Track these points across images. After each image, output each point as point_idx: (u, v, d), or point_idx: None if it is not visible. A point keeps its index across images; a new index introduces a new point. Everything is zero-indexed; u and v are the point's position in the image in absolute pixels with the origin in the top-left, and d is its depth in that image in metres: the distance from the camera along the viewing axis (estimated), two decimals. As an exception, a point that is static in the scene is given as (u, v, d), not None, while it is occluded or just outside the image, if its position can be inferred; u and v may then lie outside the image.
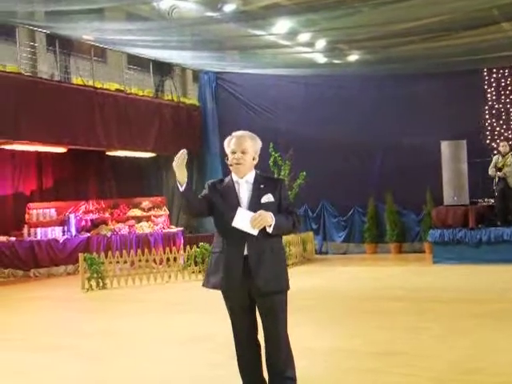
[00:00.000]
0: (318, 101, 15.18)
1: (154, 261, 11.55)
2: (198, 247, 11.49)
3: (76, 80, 14.00)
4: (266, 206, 3.60)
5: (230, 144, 3.70)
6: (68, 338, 6.79)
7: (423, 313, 7.18)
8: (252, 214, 3.52)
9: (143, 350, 5.95)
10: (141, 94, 15.28)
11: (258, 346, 3.78)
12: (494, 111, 14.01)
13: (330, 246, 15.58)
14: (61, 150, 13.83)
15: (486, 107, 14.03)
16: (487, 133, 13.96)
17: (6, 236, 13.35)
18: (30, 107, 12.07)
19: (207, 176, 15.19)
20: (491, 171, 12.15)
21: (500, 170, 11.99)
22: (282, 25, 11.83)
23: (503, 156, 12.11)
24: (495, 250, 11.59)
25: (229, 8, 11.37)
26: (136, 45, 13.69)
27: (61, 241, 13.57)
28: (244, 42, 13.59)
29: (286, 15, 11.59)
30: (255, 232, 3.53)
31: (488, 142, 13.86)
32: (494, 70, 13.99)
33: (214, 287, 3.68)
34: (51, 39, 13.92)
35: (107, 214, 14.99)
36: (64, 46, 13.80)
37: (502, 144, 12.45)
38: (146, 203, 15.49)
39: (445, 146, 12.67)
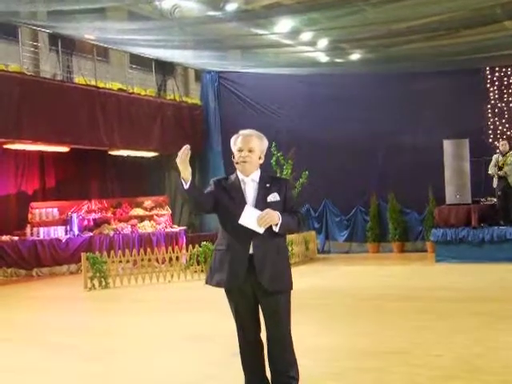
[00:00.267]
0: (320, 100, 15.17)
1: (157, 260, 11.57)
2: (200, 246, 11.49)
3: (78, 79, 14.01)
4: (272, 205, 3.60)
5: (236, 142, 3.70)
6: (71, 336, 6.81)
7: (425, 311, 7.18)
8: (259, 212, 3.53)
9: (145, 349, 5.97)
10: (143, 93, 15.29)
11: (261, 345, 3.79)
12: (496, 110, 14.00)
13: (332, 245, 15.57)
14: (63, 149, 13.84)
15: (489, 106, 14.02)
16: (489, 131, 13.95)
17: (8, 235, 13.37)
18: (33, 107, 12.09)
19: (209, 175, 15.17)
20: (491, 170, 12.14)
21: (500, 168, 11.97)
22: (284, 24, 11.82)
23: (503, 155, 12.10)
24: (498, 249, 11.57)
25: (231, 7, 11.36)
26: (138, 44, 13.69)
27: (63, 240, 13.59)
28: (246, 42, 13.58)
29: (288, 14, 11.58)
30: (261, 230, 3.53)
31: (490, 140, 13.84)
32: (497, 69, 13.97)
33: (218, 285, 3.68)
34: (54, 39, 13.92)
35: (110, 214, 15.01)
36: (66, 45, 13.80)
37: (501, 143, 12.43)
38: (148, 202, 15.51)
39: (447, 145, 12.65)
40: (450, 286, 9.17)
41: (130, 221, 14.94)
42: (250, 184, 3.69)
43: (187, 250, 11.66)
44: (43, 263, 13.24)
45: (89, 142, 13.61)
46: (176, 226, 15.43)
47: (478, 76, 13.99)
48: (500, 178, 11.98)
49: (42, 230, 13.63)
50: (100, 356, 5.78)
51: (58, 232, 13.79)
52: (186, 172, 3.49)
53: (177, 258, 11.61)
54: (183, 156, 3.44)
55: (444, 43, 12.61)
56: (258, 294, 3.63)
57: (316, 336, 6.04)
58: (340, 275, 11.45)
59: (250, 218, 3.52)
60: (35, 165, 14.84)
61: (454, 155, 12.56)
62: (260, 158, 3.73)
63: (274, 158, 13.18)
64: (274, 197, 3.65)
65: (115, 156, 15.26)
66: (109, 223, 14.67)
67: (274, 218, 3.53)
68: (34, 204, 14.20)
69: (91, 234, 14.11)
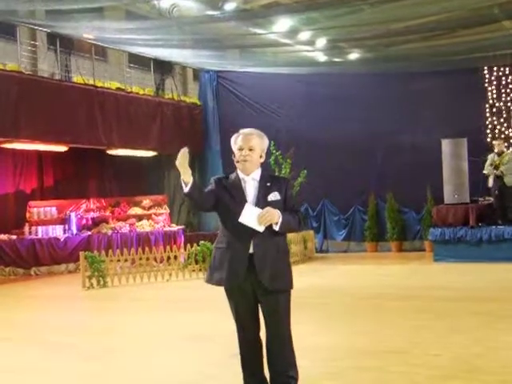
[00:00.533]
0: (319, 99, 15.17)
1: (155, 259, 11.57)
2: (198, 245, 11.49)
3: (77, 79, 13.98)
4: (272, 204, 3.59)
5: (237, 141, 3.69)
6: (69, 335, 6.80)
7: (424, 311, 7.18)
8: (259, 210, 3.52)
9: (144, 348, 5.97)
10: (141, 92, 15.26)
11: (261, 344, 3.79)
12: (494, 109, 14.02)
13: (330, 245, 15.58)
14: (62, 148, 13.82)
15: (487, 105, 14.04)
16: (488, 131, 13.97)
17: (7, 234, 13.37)
18: (31, 106, 12.06)
19: (208, 174, 15.15)
20: (487, 170, 12.16)
21: (496, 168, 11.99)
22: (283, 23, 11.83)
23: (499, 155, 12.12)
24: (496, 249, 11.58)
25: (229, 6, 11.38)
26: (136, 43, 13.68)
27: (62, 239, 13.58)
28: (245, 41, 13.58)
29: (287, 13, 11.60)
30: (261, 229, 3.52)
31: (489, 139, 13.86)
32: (495, 69, 13.99)
33: (218, 284, 3.67)
34: (52, 38, 13.91)
35: (108, 213, 15.01)
36: (65, 44, 13.78)
37: (497, 143, 12.46)
38: (146, 202, 15.50)
39: (445, 144, 12.66)
40: (449, 286, 9.18)
41: (128, 220, 14.93)
42: (250, 183, 3.69)
43: (185, 249, 11.66)
44: (41, 262, 13.23)
45: (87, 142, 13.60)
46: (174, 225, 15.42)
47: (477, 76, 14.00)
48: (496, 177, 12.01)
49: (40, 228, 13.62)
50: (99, 355, 5.78)
51: (57, 231, 13.79)
52: (186, 175, 3.47)
53: (175, 257, 11.61)
54: (182, 159, 3.43)
55: (442, 43, 12.65)
56: (258, 293, 3.62)
57: (314, 335, 6.04)
58: (338, 274, 11.46)
59: (251, 217, 3.51)
60: (33, 164, 14.83)
61: (452, 154, 12.58)
62: (261, 157, 3.72)
63: (273, 157, 13.19)
64: (274, 196, 3.65)
65: (114, 155, 15.25)
66: (107, 222, 14.67)
67: (275, 216, 3.52)
68: (32, 203, 14.20)
69: (89, 232, 14.10)
